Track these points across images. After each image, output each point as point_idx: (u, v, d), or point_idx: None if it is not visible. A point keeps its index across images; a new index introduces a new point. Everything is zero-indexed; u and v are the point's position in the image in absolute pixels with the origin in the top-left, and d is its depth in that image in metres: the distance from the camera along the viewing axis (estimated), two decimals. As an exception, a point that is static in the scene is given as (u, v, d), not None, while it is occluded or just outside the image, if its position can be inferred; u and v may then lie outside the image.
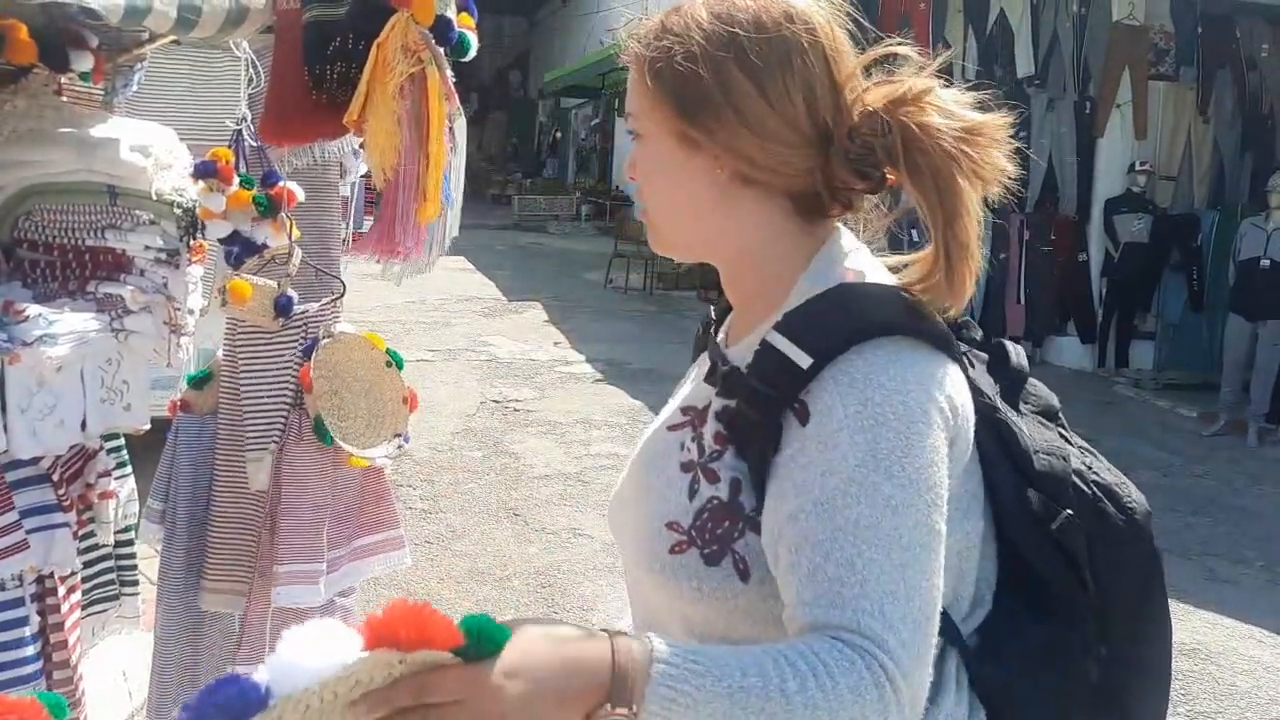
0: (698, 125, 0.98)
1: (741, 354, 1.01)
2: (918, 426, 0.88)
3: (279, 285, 2.33)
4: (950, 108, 0.97)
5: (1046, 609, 1.01)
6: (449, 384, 7.41)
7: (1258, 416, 7.37)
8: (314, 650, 0.75)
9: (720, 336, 1.11)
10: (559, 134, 24.29)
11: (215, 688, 0.74)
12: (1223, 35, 9.01)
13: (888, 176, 1.01)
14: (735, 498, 0.95)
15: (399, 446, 2.51)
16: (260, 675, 0.75)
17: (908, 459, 0.86)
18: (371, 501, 2.61)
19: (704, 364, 1.11)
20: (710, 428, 0.99)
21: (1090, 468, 1.08)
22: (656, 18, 1.04)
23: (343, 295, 2.50)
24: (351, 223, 4.98)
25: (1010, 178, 0.99)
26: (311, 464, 2.43)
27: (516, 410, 6.86)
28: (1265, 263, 7.26)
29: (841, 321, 0.92)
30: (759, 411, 0.92)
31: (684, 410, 1.05)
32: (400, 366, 2.55)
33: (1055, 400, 1.19)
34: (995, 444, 1.02)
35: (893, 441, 0.86)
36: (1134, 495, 1.09)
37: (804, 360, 0.90)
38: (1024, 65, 9.25)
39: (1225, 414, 7.55)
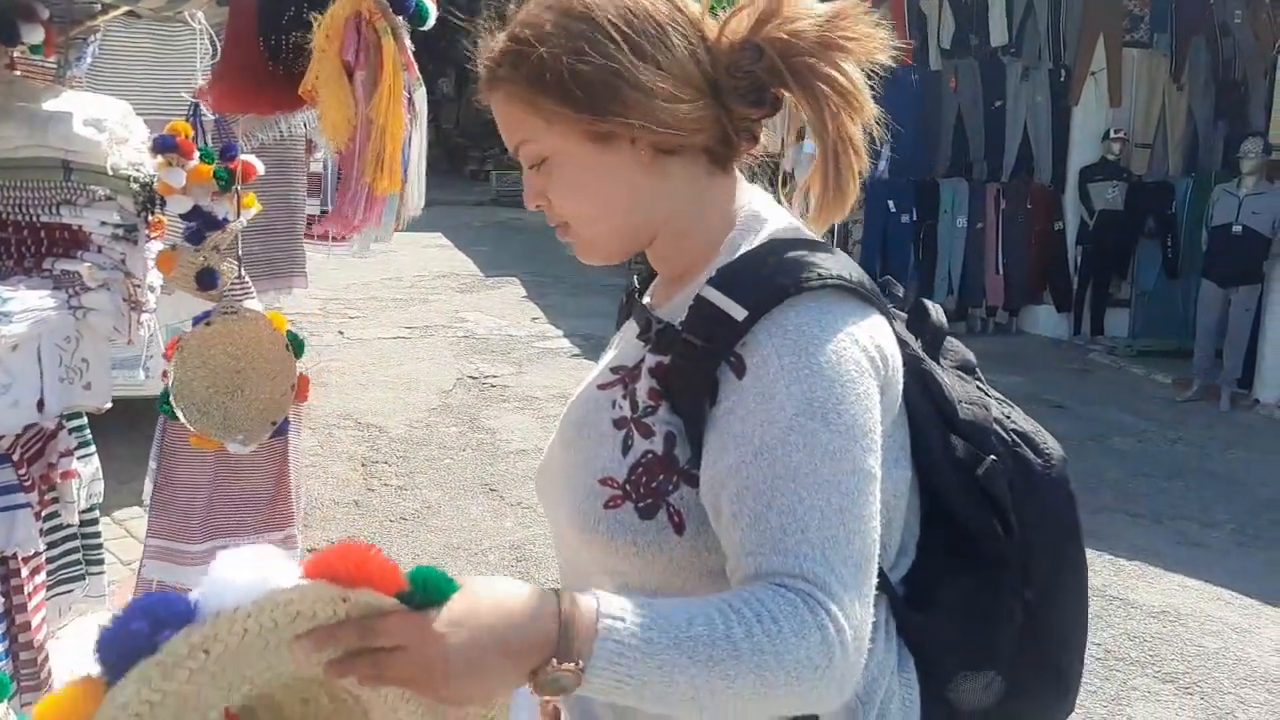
0: (607, 115, 0.96)
1: (673, 312, 1.01)
2: (851, 375, 0.89)
3: (204, 259, 2.30)
4: (803, 8, 0.99)
5: (971, 555, 1.04)
6: (425, 360, 7.38)
7: (1230, 382, 7.43)
8: (246, 568, 0.74)
9: (646, 300, 1.13)
10: (536, 109, 24.12)
11: (143, 599, 0.73)
12: (1196, 2, 9.01)
13: (777, 96, 1.03)
14: (670, 451, 0.95)
15: (242, 440, 2.46)
16: (192, 594, 0.74)
17: (843, 406, 0.88)
18: (270, 499, 2.61)
19: (631, 329, 1.11)
20: (644, 383, 0.99)
21: (1009, 416, 1.13)
22: (498, 40, 1.02)
23: (239, 271, 2.47)
24: (326, 199, 4.93)
25: (892, 46, 1.00)
26: (182, 442, 2.46)
27: (493, 386, 6.84)
28: (1237, 229, 7.30)
29: (774, 274, 0.92)
30: (695, 365, 0.92)
31: (614, 370, 1.04)
32: (299, 350, 2.51)
33: (972, 356, 1.23)
34: (921, 394, 1.05)
35: (828, 390, 0.88)
36: (1050, 442, 1.14)
37: (739, 313, 0.90)
38: (998, 34, 9.23)
39: (1199, 380, 7.61)
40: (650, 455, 0.95)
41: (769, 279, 0.92)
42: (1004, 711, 1.07)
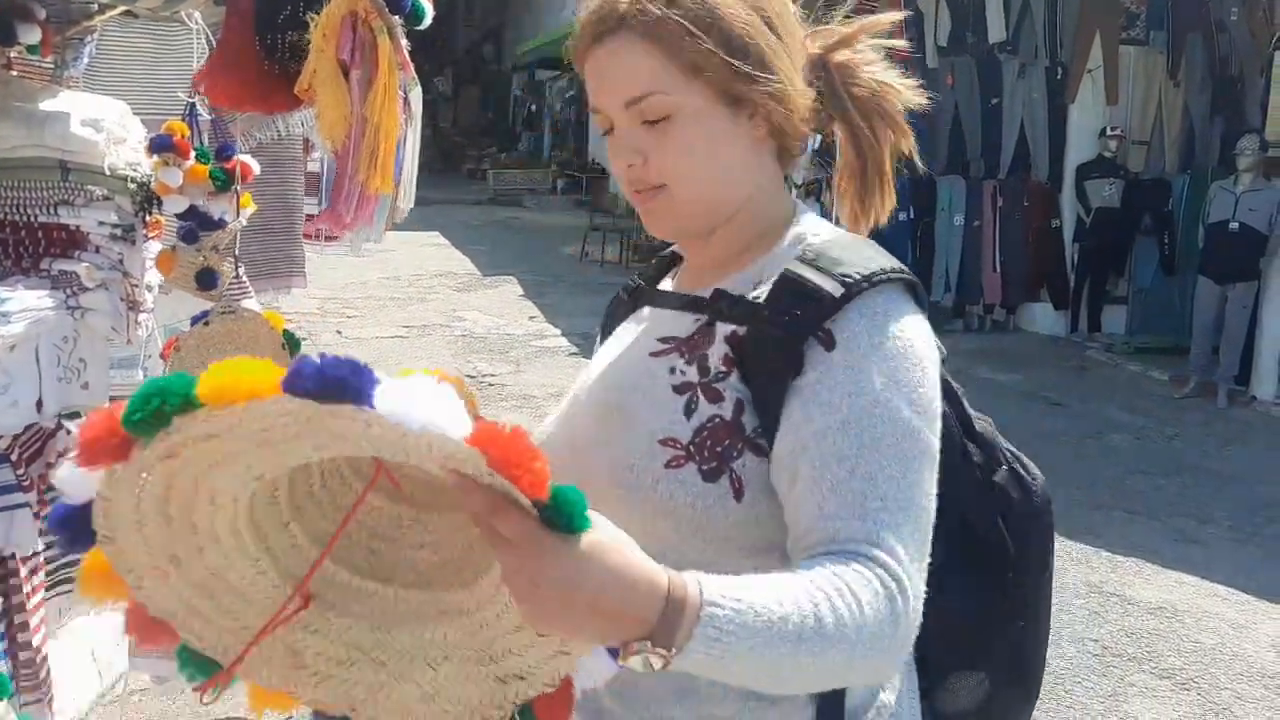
0: (755, 79, 0.99)
1: (737, 288, 1.04)
2: (928, 363, 0.96)
3: (204, 259, 2.30)
4: (870, 49, 1.09)
5: (977, 559, 1.08)
6: (423, 359, 7.38)
7: (1227, 379, 7.45)
8: (429, 394, 0.71)
9: (667, 285, 1.17)
10: (534, 107, 24.10)
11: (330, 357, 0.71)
12: (1193, -1, 9.03)
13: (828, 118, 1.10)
14: (738, 417, 0.97)
15: None
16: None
17: (922, 389, 0.94)
18: None
19: (638, 320, 1.14)
20: (718, 349, 1.00)
21: (999, 436, 1.17)
22: None
23: (237, 271, 2.46)
24: (323, 199, 4.93)
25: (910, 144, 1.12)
26: None
27: (491, 385, 6.85)
28: (1234, 226, 7.31)
29: (866, 261, 0.98)
30: (782, 335, 0.96)
31: (665, 340, 1.05)
32: (295, 349, 2.50)
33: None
34: (946, 402, 1.06)
35: (909, 372, 0.94)
36: (1034, 466, 1.18)
37: (835, 289, 0.95)
38: (995, 31, 9.24)
39: (1196, 377, 7.62)
40: (717, 419, 0.97)
41: (860, 264, 0.97)
42: (981, 713, 1.12)
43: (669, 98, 0.98)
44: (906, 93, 1.10)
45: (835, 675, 0.84)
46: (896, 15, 1.13)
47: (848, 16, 1.11)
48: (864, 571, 0.84)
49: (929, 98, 1.09)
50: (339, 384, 0.68)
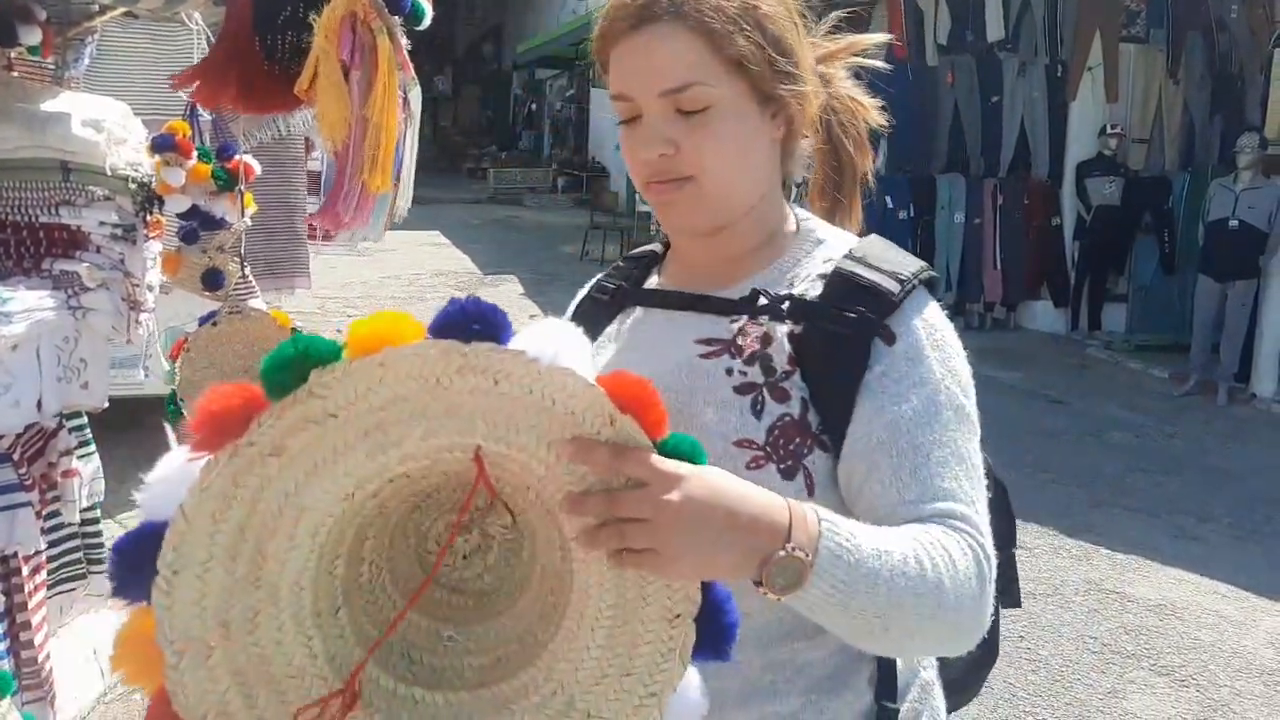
0: (788, 79, 1.02)
1: (772, 288, 1.06)
2: (961, 348, 1.03)
3: (209, 259, 2.31)
4: (842, 71, 1.16)
5: None
6: (424, 359, 7.38)
7: (1227, 376, 7.45)
8: (564, 332, 0.75)
9: (652, 283, 1.18)
10: (534, 106, 24.10)
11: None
12: (1193, -3, 9.02)
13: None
14: (804, 415, 0.99)
15: None
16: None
17: (965, 376, 1.01)
18: None
19: (638, 322, 1.14)
20: (780, 349, 1.01)
21: None
22: None
23: (243, 270, 2.46)
24: (323, 198, 4.94)
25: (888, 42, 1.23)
26: None
27: (492, 384, 6.85)
28: (1233, 223, 7.31)
29: (905, 259, 1.04)
30: (847, 332, 0.99)
31: (706, 341, 1.05)
32: None
33: None
34: None
35: (957, 362, 1.01)
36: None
37: (894, 287, 1.00)
38: (995, 30, 9.23)
39: (1196, 374, 7.62)
40: (788, 418, 0.98)
41: (901, 262, 1.03)
42: (964, 680, 1.20)
43: (711, 90, 0.99)
44: (873, 112, 1.17)
45: (927, 625, 0.86)
46: (883, 37, 1.19)
47: (835, 28, 1.15)
48: (956, 538, 0.90)
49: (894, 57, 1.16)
50: (483, 317, 0.72)
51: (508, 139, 24.77)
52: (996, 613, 1.23)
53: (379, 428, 0.73)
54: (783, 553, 0.78)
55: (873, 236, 1.09)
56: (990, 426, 1.04)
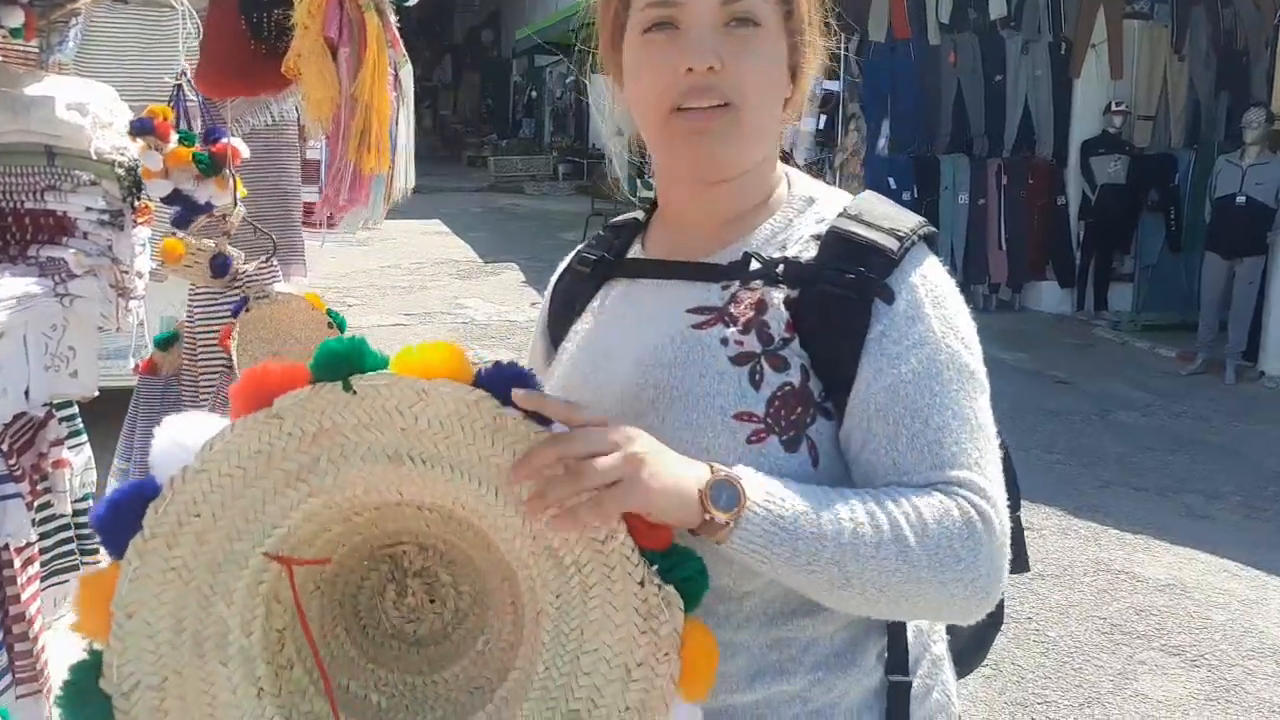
0: (809, 21, 1.00)
1: (764, 251, 1.02)
2: (962, 303, 1.00)
3: (216, 245, 2.28)
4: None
5: None
6: (426, 347, 7.36)
7: (1235, 354, 7.39)
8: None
9: (635, 251, 1.12)
10: (534, 93, 24.01)
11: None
12: (1196, -29, 8.93)
13: None
14: (805, 383, 0.95)
15: None
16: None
17: (968, 331, 0.98)
18: None
19: (622, 294, 1.09)
20: (778, 315, 0.96)
21: None
22: None
23: (274, 253, 2.43)
24: (323, 186, 4.89)
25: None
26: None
27: (494, 371, 6.82)
28: (1241, 200, 7.25)
29: (902, 216, 1.00)
30: (846, 293, 0.95)
31: (698, 310, 1.00)
32: (342, 328, 2.49)
33: None
34: None
35: (959, 318, 0.97)
36: None
37: (893, 245, 0.96)
38: (997, 8, 9.14)
39: (1203, 353, 7.57)
40: (788, 387, 0.94)
41: (899, 219, 0.99)
42: (971, 649, 1.19)
43: (764, 7, 0.96)
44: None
45: (897, 583, 0.86)
46: None
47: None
48: (939, 497, 0.88)
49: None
50: (523, 383, 0.81)
51: (508, 127, 24.68)
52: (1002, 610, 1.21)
53: (387, 459, 0.80)
54: (723, 473, 0.84)
55: (868, 193, 1.05)
56: (997, 408, 1.01)
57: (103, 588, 0.77)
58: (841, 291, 0.95)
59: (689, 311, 1.00)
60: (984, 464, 0.92)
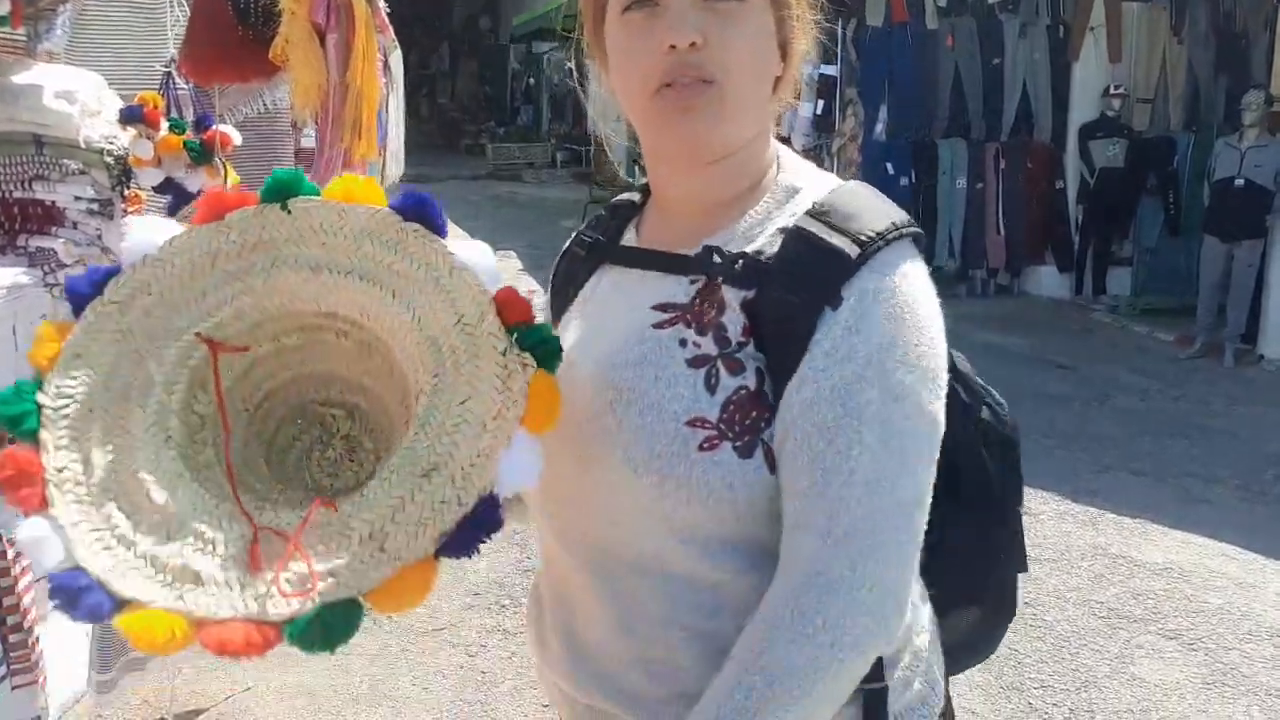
0: (802, 10, 0.98)
1: (727, 242, 0.98)
2: (932, 321, 0.92)
3: None
4: None
5: (971, 498, 1.08)
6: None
7: (1234, 337, 7.38)
8: (484, 256, 0.96)
9: (632, 240, 1.09)
10: (532, 80, 23.92)
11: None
12: (1196, -47, 8.88)
13: None
14: (761, 386, 0.91)
15: None
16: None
17: (920, 349, 0.89)
18: None
19: (608, 282, 1.08)
20: (735, 319, 0.93)
21: (971, 371, 1.16)
22: None
23: None
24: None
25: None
26: None
27: (492, 359, 6.81)
28: (1239, 182, 7.22)
29: (877, 216, 0.93)
30: (798, 298, 0.90)
31: (663, 308, 0.97)
32: None
33: None
34: None
35: (910, 334, 0.89)
36: (1000, 398, 1.17)
37: (852, 250, 0.90)
38: (995, -10, 9.11)
39: (1202, 336, 7.56)
40: (744, 391, 0.91)
41: (872, 219, 0.92)
42: (974, 642, 1.18)
43: None
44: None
45: (822, 681, 0.85)
46: None
47: None
48: (797, 625, 0.85)
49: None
50: (424, 210, 0.96)
51: (506, 114, 24.60)
52: (1004, 570, 1.20)
53: (316, 262, 0.96)
54: None
55: (852, 184, 0.99)
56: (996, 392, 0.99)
57: (61, 332, 0.92)
58: (792, 297, 0.90)
59: (653, 308, 0.99)
60: (876, 500, 0.86)
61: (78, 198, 2.17)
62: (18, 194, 2.15)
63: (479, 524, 0.84)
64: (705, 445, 0.90)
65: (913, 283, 0.91)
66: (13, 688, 2.14)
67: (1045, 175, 9.35)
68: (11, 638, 2.17)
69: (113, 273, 0.95)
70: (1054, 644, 3.48)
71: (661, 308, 0.98)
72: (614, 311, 1.03)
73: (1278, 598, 3.87)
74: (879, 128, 8.99)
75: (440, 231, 0.96)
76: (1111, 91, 8.85)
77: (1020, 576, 1.20)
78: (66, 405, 0.89)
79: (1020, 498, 1.16)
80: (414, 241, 0.95)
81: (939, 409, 0.90)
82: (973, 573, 1.12)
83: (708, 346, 0.93)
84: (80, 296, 0.94)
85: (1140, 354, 7.65)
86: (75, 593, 0.81)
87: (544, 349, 0.91)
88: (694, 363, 0.93)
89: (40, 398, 0.89)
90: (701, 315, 0.95)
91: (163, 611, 0.81)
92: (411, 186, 1.08)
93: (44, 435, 0.87)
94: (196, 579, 0.83)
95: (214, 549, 0.85)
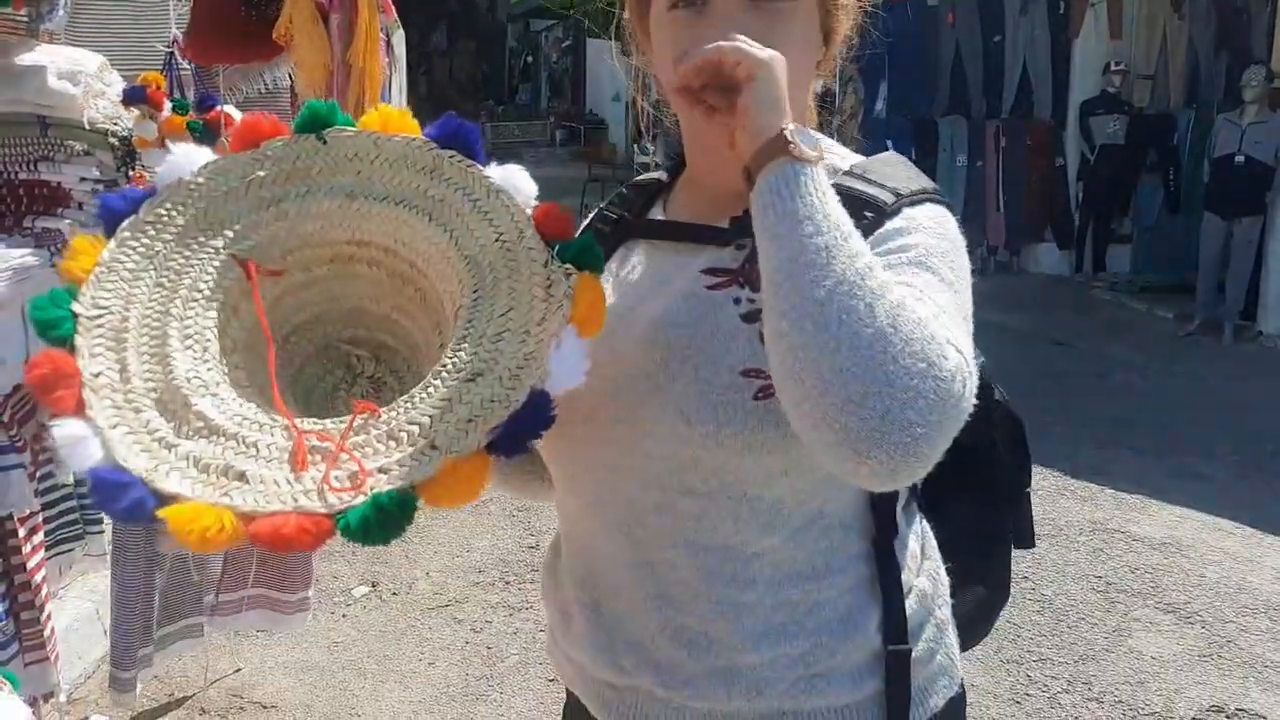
0: (847, 12, 1.00)
1: None
2: (964, 252, 0.95)
3: None
4: None
5: (975, 478, 1.10)
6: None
7: (1233, 314, 7.40)
8: (524, 180, 1.01)
9: (656, 215, 1.11)
10: (530, 58, 23.81)
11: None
12: (1197, -72, 8.83)
13: None
14: None
15: None
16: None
17: (962, 267, 0.93)
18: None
19: (642, 256, 1.09)
20: None
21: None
22: None
23: None
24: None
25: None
26: None
27: (493, 338, 6.83)
28: (1239, 159, 7.21)
29: (913, 177, 0.99)
30: None
31: (713, 272, 1.00)
32: None
33: None
34: None
35: (955, 254, 0.93)
36: (999, 387, 1.18)
37: (888, 197, 0.95)
38: (996, -33, 9.08)
39: (1201, 314, 7.57)
40: None
41: (907, 180, 0.98)
42: (978, 620, 1.18)
43: None
44: None
45: (846, 360, 0.77)
46: None
47: None
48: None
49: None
50: (465, 136, 0.99)
51: (504, 93, 24.50)
52: (1007, 552, 1.23)
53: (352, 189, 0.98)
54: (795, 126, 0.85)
55: (887, 153, 1.04)
56: (994, 370, 1.00)
57: (96, 246, 0.92)
58: None
59: (703, 272, 1.01)
60: (958, 337, 0.85)
61: (83, 179, 2.17)
62: (23, 175, 2.16)
63: (530, 420, 0.83)
64: (760, 394, 0.91)
65: (950, 226, 0.96)
66: (25, 664, 2.17)
67: (1045, 153, 9.34)
68: (24, 615, 2.20)
69: (149, 194, 0.96)
70: (1053, 618, 3.52)
71: (711, 272, 1.00)
72: (655, 279, 1.05)
73: (1275, 572, 3.90)
74: (879, 105, 8.99)
75: (477, 157, 0.98)
76: (1112, 68, 8.82)
77: (1019, 551, 1.22)
78: (101, 315, 0.89)
79: (1029, 478, 1.19)
80: (450, 167, 0.97)
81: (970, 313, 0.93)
82: (981, 553, 1.15)
83: (761, 301, 0.94)
84: (115, 214, 0.94)
85: (1139, 331, 7.66)
86: (117, 488, 0.77)
87: (586, 257, 0.92)
88: (748, 317, 0.95)
89: (76, 306, 0.88)
90: (754, 274, 0.95)
91: (209, 505, 0.78)
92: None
93: (79, 341, 0.86)
94: (242, 477, 0.81)
95: (258, 451, 0.83)
